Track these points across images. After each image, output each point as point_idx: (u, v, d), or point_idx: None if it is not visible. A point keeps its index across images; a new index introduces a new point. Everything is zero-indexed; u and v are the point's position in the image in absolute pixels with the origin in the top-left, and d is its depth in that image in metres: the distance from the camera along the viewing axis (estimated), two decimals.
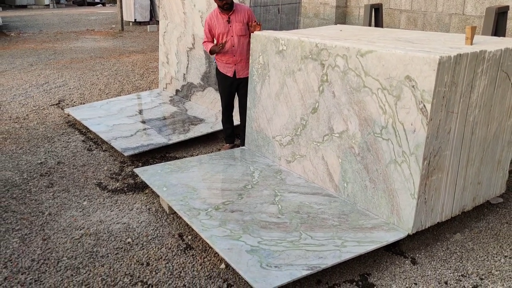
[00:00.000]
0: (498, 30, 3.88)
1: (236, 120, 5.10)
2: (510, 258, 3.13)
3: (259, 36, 4.32)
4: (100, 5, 31.31)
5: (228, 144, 5.06)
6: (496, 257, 3.14)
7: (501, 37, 3.70)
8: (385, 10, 6.81)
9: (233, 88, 4.81)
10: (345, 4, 7.55)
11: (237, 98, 4.93)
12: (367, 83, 3.28)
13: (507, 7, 3.85)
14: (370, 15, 5.01)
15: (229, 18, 4.53)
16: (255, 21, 4.49)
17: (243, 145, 4.82)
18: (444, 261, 3.11)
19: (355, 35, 4.02)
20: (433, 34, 4.02)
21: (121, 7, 15.77)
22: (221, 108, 4.99)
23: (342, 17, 7.56)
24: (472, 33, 3.29)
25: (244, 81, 4.71)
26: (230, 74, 4.71)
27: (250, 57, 4.49)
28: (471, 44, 3.30)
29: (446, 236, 3.39)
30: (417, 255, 3.18)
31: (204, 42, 4.75)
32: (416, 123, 2.97)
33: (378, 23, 5.07)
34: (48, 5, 28.47)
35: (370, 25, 5.11)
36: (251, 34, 4.43)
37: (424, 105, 2.91)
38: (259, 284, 2.58)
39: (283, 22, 5.49)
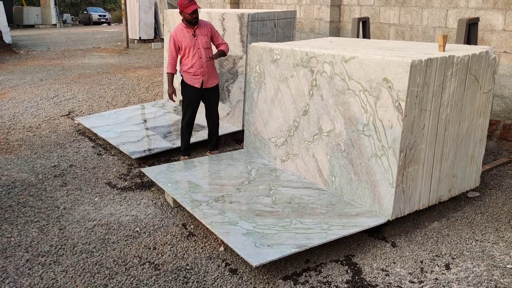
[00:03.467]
0: (470, 39, 4.28)
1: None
2: (481, 241, 3.46)
3: (256, 47, 4.74)
4: (106, 24, 32.12)
5: (186, 156, 5.14)
6: (468, 241, 3.48)
7: (472, 45, 4.09)
8: (375, 24, 7.26)
9: (199, 99, 5.05)
10: (339, 19, 8.03)
11: (206, 108, 5.12)
12: (350, 86, 3.67)
13: (477, 19, 4.26)
14: (358, 28, 5.43)
15: (194, 32, 4.86)
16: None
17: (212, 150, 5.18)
18: (421, 244, 3.45)
19: (343, 45, 4.42)
20: (412, 43, 4.42)
21: (126, 25, 16.34)
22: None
23: (336, 31, 8.03)
24: (444, 41, 3.69)
25: (212, 91, 5.03)
26: (197, 85, 4.93)
27: (248, 66, 4.90)
28: (444, 50, 3.69)
29: (425, 224, 3.73)
30: (397, 239, 3.52)
31: (169, 63, 4.92)
32: (393, 119, 3.35)
33: (366, 35, 5.49)
34: (55, 24, 29.32)
35: (358, 37, 5.53)
36: (247, 50, 4.82)
37: (400, 103, 3.29)
38: (252, 259, 2.93)
39: (279, 35, 5.91)
